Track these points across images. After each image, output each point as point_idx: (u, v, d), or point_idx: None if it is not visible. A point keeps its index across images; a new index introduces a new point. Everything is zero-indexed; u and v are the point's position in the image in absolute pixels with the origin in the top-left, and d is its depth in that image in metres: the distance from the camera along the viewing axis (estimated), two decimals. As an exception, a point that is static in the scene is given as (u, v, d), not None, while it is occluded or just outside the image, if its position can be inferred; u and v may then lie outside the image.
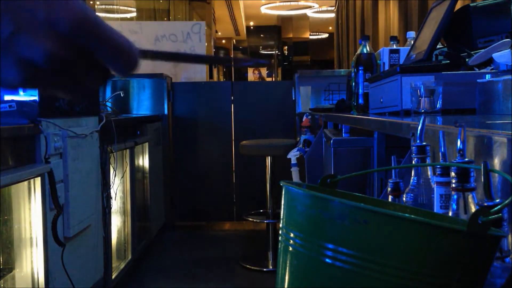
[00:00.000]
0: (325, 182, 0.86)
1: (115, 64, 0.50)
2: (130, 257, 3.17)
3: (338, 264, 0.66)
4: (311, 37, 11.99)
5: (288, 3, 9.15)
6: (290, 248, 0.73)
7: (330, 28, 10.77)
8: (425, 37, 1.99)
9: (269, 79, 11.72)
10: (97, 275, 2.48)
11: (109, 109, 3.13)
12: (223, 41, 15.31)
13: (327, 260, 0.67)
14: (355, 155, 1.99)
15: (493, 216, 0.62)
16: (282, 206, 0.77)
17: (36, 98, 1.88)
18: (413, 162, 0.92)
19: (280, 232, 0.76)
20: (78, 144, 2.18)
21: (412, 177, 0.94)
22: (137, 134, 3.44)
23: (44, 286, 1.88)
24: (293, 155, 3.14)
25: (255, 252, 3.75)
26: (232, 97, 4.71)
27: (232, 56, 15.46)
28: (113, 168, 2.72)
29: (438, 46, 2.02)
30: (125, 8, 7.70)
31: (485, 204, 0.67)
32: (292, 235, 0.72)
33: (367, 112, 2.40)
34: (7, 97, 1.88)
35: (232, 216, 4.66)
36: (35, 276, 1.88)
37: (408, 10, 4.71)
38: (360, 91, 2.53)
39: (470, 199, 0.74)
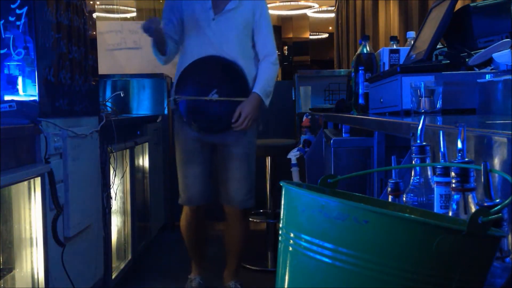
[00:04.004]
0: (325, 182, 0.86)
1: None
2: (130, 257, 3.17)
3: (338, 264, 0.66)
4: (311, 37, 11.97)
5: (288, 3, 9.14)
6: (290, 248, 0.73)
7: (330, 28, 10.76)
8: (425, 37, 1.99)
9: (269, 79, 11.74)
10: (97, 275, 2.47)
11: (109, 109, 3.13)
12: (223, 41, 15.24)
13: (327, 260, 0.67)
14: (355, 155, 1.99)
15: (493, 216, 0.62)
16: (282, 206, 0.77)
17: (36, 98, 1.88)
18: (413, 162, 0.92)
19: (280, 232, 0.76)
20: (78, 144, 2.18)
21: (412, 177, 0.94)
22: (137, 134, 3.44)
23: (44, 286, 1.88)
24: (293, 155, 3.14)
25: (255, 252, 3.75)
26: (232, 97, 4.71)
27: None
28: (113, 168, 2.72)
29: (438, 46, 2.02)
30: (125, 8, 7.69)
31: (485, 204, 0.67)
32: (292, 235, 0.72)
33: (367, 112, 2.40)
34: (7, 97, 1.88)
35: (232, 216, 4.65)
36: (35, 276, 1.88)
37: (408, 10, 4.71)
38: (360, 91, 2.53)
39: (470, 199, 0.74)
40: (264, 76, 2.68)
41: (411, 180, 0.94)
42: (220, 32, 2.63)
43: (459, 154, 0.76)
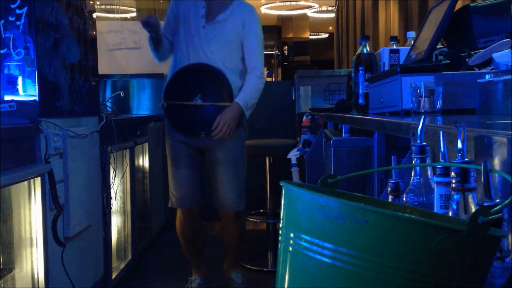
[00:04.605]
0: (325, 182, 0.86)
1: None
2: (130, 257, 3.17)
3: (338, 264, 0.66)
4: (311, 37, 11.97)
5: (288, 3, 9.14)
6: (290, 248, 0.73)
7: (330, 28, 10.76)
8: (425, 37, 1.99)
9: (269, 79, 11.74)
10: (97, 275, 2.47)
11: (109, 109, 3.13)
12: (223, 41, 15.19)
13: (327, 260, 0.67)
14: (355, 155, 1.99)
15: (493, 216, 0.62)
16: (282, 206, 0.77)
17: (36, 98, 1.88)
18: (413, 162, 0.92)
19: (280, 232, 0.77)
20: (78, 144, 2.18)
21: (412, 177, 0.94)
22: (137, 134, 3.44)
23: (44, 286, 1.88)
24: (293, 155, 3.14)
25: (255, 252, 3.75)
26: (232, 97, 4.70)
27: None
28: (113, 168, 2.72)
29: (438, 46, 2.02)
30: (125, 8, 7.69)
31: (485, 204, 0.67)
32: (292, 235, 0.72)
33: (367, 112, 2.40)
34: (7, 97, 1.88)
35: (232, 216, 4.64)
36: (35, 276, 1.88)
37: (408, 10, 4.71)
38: (360, 91, 2.53)
39: (470, 199, 0.74)
40: (248, 88, 2.77)
41: (411, 180, 0.94)
42: (207, 40, 2.73)
43: (459, 154, 0.76)
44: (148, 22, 2.57)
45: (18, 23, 1.85)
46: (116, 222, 3.08)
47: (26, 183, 1.84)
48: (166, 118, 2.82)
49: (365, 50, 2.58)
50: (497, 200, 0.68)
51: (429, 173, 0.92)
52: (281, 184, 0.77)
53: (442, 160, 0.84)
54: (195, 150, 2.81)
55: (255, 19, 2.81)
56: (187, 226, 2.90)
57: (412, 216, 0.77)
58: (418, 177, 0.93)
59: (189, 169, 2.81)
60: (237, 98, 2.72)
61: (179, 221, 2.91)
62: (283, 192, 0.76)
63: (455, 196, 0.76)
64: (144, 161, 3.68)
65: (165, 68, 4.82)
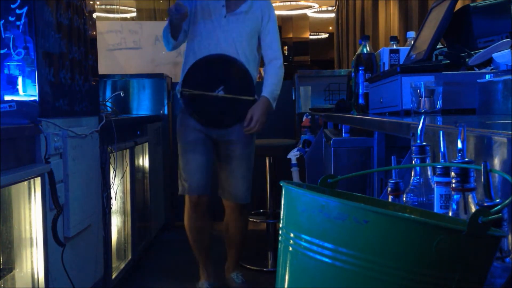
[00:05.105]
0: (325, 182, 0.86)
1: None
2: (130, 257, 3.17)
3: (338, 264, 0.66)
4: (311, 37, 11.98)
5: (288, 3, 9.14)
6: (290, 248, 0.73)
7: (330, 28, 10.76)
8: (425, 37, 1.99)
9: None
10: (97, 275, 2.47)
11: (109, 109, 3.13)
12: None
13: (327, 260, 0.67)
14: (355, 155, 1.99)
15: (493, 216, 0.62)
16: (282, 206, 0.77)
17: (36, 98, 1.88)
18: (413, 162, 0.92)
19: (280, 232, 0.77)
20: (78, 144, 2.18)
21: (412, 177, 0.94)
22: (137, 134, 3.44)
23: (44, 286, 1.88)
24: (293, 155, 3.14)
25: (255, 252, 3.75)
26: (232, 97, 4.70)
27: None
28: (113, 168, 2.72)
29: (438, 46, 2.02)
30: (125, 8, 7.70)
31: (485, 204, 0.67)
32: (292, 235, 0.72)
33: (367, 112, 2.40)
34: (7, 97, 1.88)
35: (232, 216, 4.64)
36: (35, 276, 1.88)
37: (408, 10, 4.71)
38: (360, 91, 2.53)
39: (470, 199, 0.74)
40: (272, 81, 2.81)
41: (411, 180, 0.94)
42: (229, 31, 2.74)
43: (459, 154, 0.76)
44: (178, 10, 2.55)
45: (18, 23, 1.85)
46: (116, 222, 3.08)
47: (26, 183, 1.84)
48: (183, 106, 2.79)
49: (365, 50, 2.58)
50: (497, 200, 0.68)
51: (429, 173, 0.92)
52: (281, 184, 0.77)
53: (442, 160, 0.84)
54: (210, 141, 2.82)
55: (272, 11, 2.85)
56: (195, 218, 2.87)
57: (412, 216, 0.77)
58: (418, 177, 0.93)
59: (203, 156, 2.80)
60: (264, 92, 2.76)
61: (187, 212, 2.87)
62: (283, 192, 0.76)
63: (455, 196, 0.76)
64: (144, 161, 3.68)
65: (166, 68, 4.84)
